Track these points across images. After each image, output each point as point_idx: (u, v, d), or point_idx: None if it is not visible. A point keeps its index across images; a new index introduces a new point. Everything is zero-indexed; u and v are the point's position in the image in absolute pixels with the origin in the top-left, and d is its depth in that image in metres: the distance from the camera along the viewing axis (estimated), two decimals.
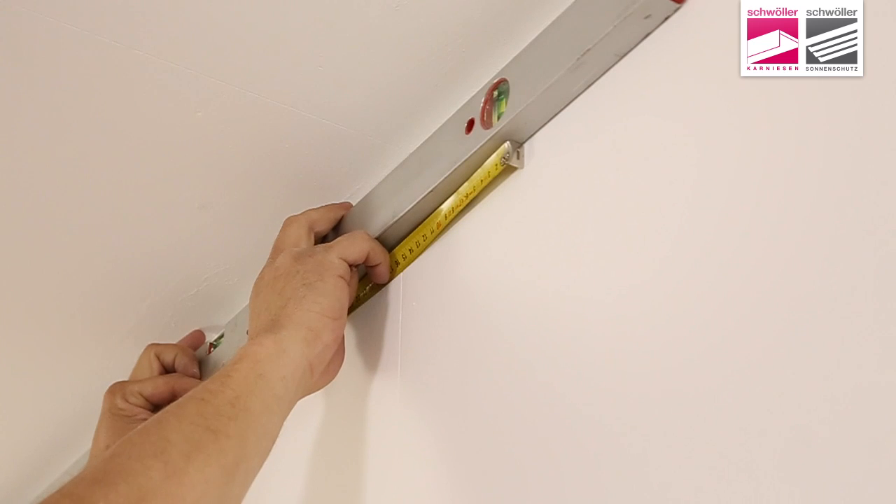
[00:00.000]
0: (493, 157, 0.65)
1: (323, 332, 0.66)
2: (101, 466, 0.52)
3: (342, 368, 0.75)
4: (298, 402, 0.81)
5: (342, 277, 0.69)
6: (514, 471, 0.57)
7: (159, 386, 0.81)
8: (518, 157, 0.64)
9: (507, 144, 0.64)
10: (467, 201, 0.67)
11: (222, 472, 0.55)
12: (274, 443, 0.61)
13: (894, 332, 0.41)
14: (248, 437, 0.57)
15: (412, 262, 0.73)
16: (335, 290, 0.68)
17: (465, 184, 0.68)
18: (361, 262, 0.72)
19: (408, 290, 0.73)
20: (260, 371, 0.60)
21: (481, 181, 0.66)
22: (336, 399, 0.78)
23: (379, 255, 0.73)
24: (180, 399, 0.58)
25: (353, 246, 0.71)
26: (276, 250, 0.73)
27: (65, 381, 0.97)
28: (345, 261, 0.70)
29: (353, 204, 0.79)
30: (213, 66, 0.68)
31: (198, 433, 0.55)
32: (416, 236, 0.72)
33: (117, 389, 0.81)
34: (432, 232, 0.71)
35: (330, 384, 0.77)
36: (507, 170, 0.65)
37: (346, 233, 0.75)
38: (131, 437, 0.54)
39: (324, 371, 0.68)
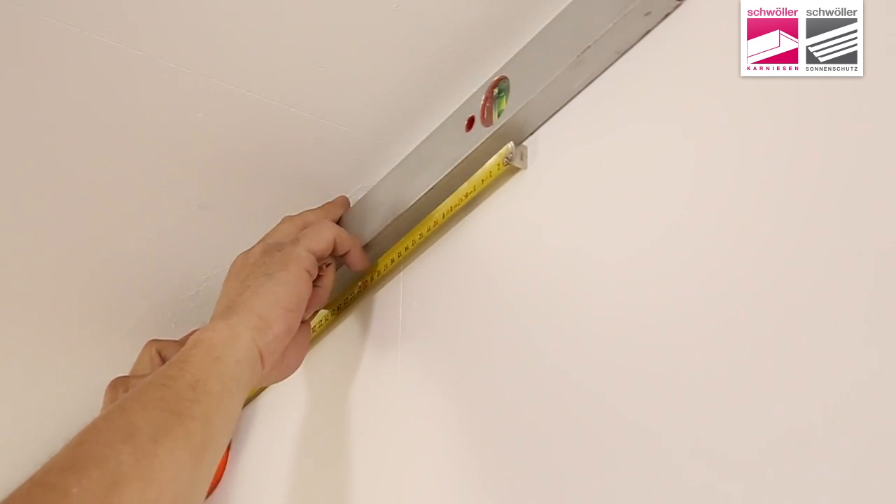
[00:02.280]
0: (496, 158, 0.65)
1: (274, 322, 0.65)
2: (69, 454, 0.52)
3: (343, 366, 0.75)
4: (300, 400, 0.82)
5: (307, 270, 0.68)
6: (513, 461, 0.58)
7: None
8: (521, 158, 0.64)
9: (510, 145, 0.64)
10: (466, 200, 0.67)
11: (190, 454, 0.55)
12: (236, 424, 0.61)
13: (893, 331, 0.41)
14: (212, 418, 0.57)
15: (408, 260, 0.73)
16: (296, 282, 0.67)
17: (465, 183, 0.68)
18: (330, 253, 0.72)
19: (408, 289, 0.73)
20: (216, 354, 0.61)
21: (482, 181, 0.66)
22: (337, 396, 0.78)
23: (346, 243, 0.72)
24: (139, 386, 0.58)
25: (319, 236, 0.70)
26: (259, 243, 0.73)
27: (65, 381, 0.97)
28: (312, 253, 0.69)
29: (353, 201, 0.79)
30: (213, 66, 0.68)
31: (163, 417, 0.55)
32: (413, 235, 0.72)
33: (119, 384, 0.81)
34: (429, 230, 0.70)
35: (331, 382, 0.77)
36: (509, 170, 0.65)
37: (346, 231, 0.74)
38: (96, 424, 0.54)
39: (276, 364, 0.67)
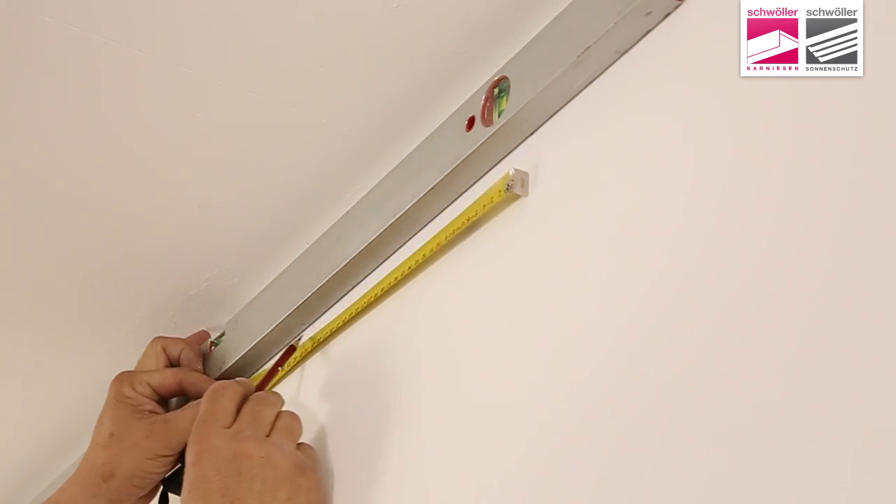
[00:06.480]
0: (498, 184, 0.64)
1: None
2: None
3: (336, 393, 0.75)
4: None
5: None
6: (517, 469, 0.57)
7: (167, 377, 0.81)
8: (522, 185, 0.63)
9: (511, 171, 0.63)
10: (468, 224, 0.66)
11: None
12: None
13: (893, 333, 0.41)
14: None
15: (409, 279, 0.72)
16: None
17: (468, 207, 0.67)
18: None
19: (402, 311, 0.72)
20: None
21: (483, 206, 0.65)
22: (325, 426, 0.77)
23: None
24: None
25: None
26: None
27: (65, 381, 0.97)
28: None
29: (352, 202, 0.79)
30: (213, 66, 0.68)
31: None
32: (417, 255, 0.71)
33: (125, 378, 0.81)
34: (431, 251, 0.70)
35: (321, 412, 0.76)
36: (509, 197, 0.64)
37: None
38: None
39: None
